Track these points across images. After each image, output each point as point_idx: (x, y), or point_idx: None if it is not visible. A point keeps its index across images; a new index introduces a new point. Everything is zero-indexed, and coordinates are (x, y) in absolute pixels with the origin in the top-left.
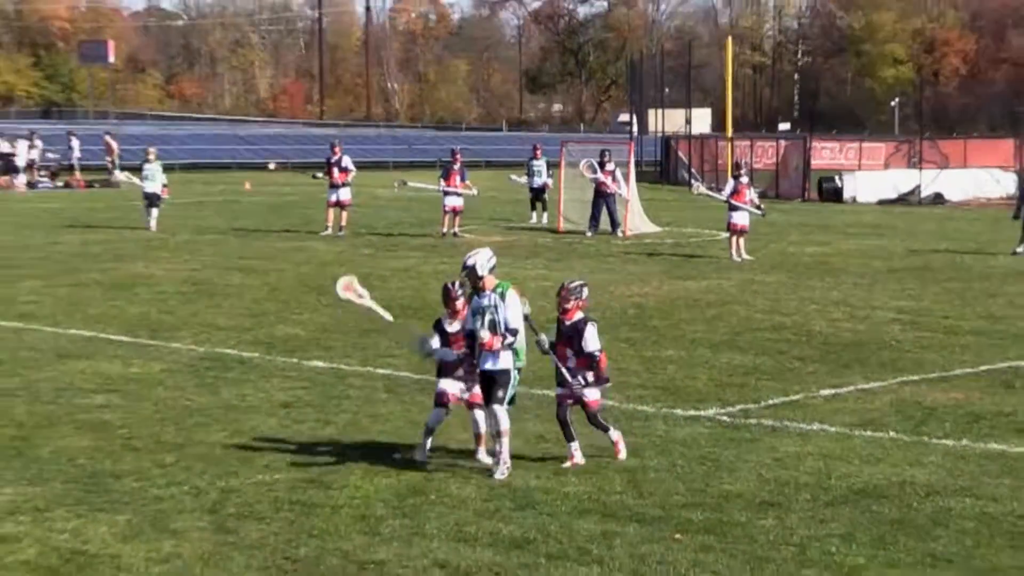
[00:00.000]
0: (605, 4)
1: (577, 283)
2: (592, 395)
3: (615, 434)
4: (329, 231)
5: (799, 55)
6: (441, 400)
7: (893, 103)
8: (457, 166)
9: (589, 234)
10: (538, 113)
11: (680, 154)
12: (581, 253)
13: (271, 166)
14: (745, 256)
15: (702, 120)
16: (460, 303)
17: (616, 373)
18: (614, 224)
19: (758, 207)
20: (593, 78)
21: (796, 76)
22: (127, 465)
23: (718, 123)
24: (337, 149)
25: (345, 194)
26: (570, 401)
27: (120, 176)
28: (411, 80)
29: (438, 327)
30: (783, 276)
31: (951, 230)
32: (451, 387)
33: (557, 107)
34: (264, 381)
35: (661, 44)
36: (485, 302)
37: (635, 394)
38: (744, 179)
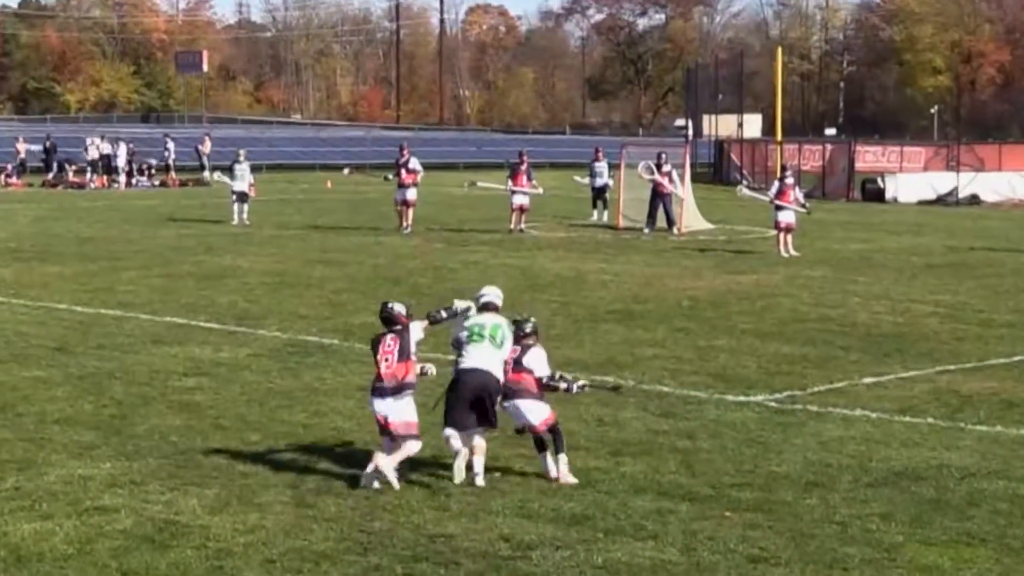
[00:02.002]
0: (663, 17)
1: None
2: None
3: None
4: (408, 229)
5: (844, 64)
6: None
7: (932, 110)
8: (524, 167)
9: (647, 231)
10: (599, 118)
11: (732, 157)
12: (639, 249)
13: (345, 172)
14: (792, 252)
15: (753, 125)
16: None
17: (671, 361)
18: (670, 222)
19: (803, 205)
20: (651, 86)
21: (841, 84)
22: (216, 443)
23: (768, 128)
24: (405, 151)
25: (411, 194)
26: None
27: (211, 176)
28: (481, 87)
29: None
30: (828, 271)
31: (986, 229)
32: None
33: (616, 115)
34: (342, 366)
35: (715, 54)
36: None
37: (688, 380)
38: (789, 180)
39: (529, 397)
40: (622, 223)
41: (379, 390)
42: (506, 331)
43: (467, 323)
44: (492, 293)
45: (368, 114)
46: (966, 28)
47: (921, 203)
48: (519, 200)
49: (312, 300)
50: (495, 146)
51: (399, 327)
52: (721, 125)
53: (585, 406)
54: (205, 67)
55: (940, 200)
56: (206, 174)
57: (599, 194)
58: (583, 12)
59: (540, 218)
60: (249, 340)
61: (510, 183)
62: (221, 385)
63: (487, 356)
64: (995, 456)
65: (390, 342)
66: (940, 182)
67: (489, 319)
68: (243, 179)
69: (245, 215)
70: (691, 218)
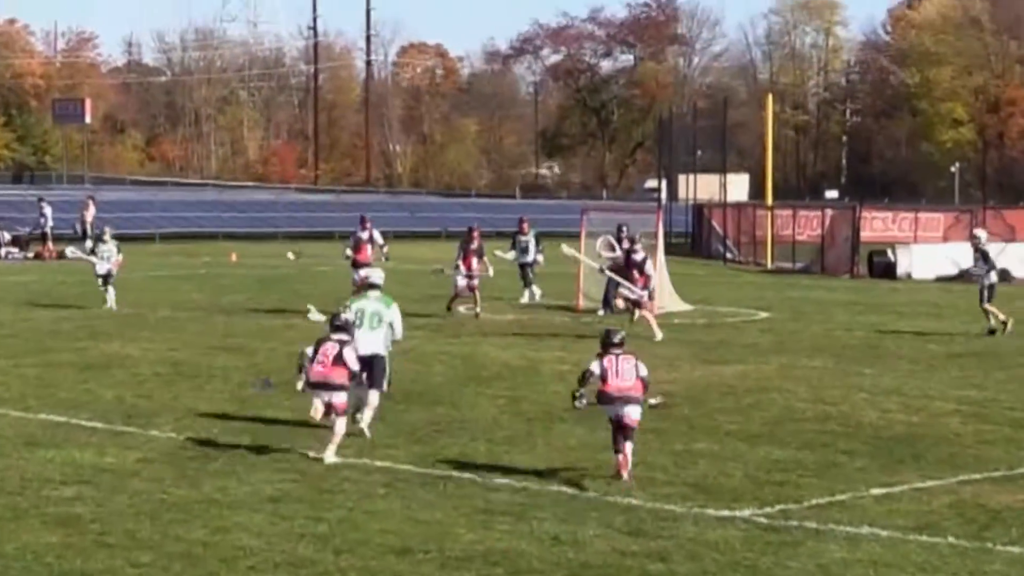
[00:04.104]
0: (631, 58)
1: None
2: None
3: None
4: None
5: (847, 114)
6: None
7: (953, 168)
8: (475, 245)
9: (601, 313)
10: (555, 178)
11: (714, 224)
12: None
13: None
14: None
15: (739, 186)
16: None
17: (641, 468)
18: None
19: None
20: (617, 140)
21: (844, 138)
22: (99, 564)
23: (757, 190)
24: (368, 223)
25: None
26: None
27: (68, 251)
28: (415, 141)
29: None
30: (828, 360)
31: (1018, 311)
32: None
33: (576, 175)
34: (250, 473)
35: (693, 102)
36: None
37: (662, 491)
38: (638, 256)
39: (639, 401)
40: (582, 304)
41: (315, 384)
42: (383, 311)
43: (355, 304)
44: (374, 274)
45: (280, 174)
46: (993, 71)
47: (940, 280)
48: (465, 280)
49: (214, 394)
50: (432, 211)
51: (346, 339)
52: (700, 187)
53: (539, 521)
54: (88, 118)
55: (963, 276)
56: (87, 244)
57: (526, 271)
58: (536, 53)
59: (484, 297)
60: (139, 442)
61: (461, 267)
62: (106, 495)
63: (370, 339)
64: None
65: (332, 348)
66: (962, 255)
67: (369, 305)
68: (109, 260)
69: (112, 298)
70: (665, 298)
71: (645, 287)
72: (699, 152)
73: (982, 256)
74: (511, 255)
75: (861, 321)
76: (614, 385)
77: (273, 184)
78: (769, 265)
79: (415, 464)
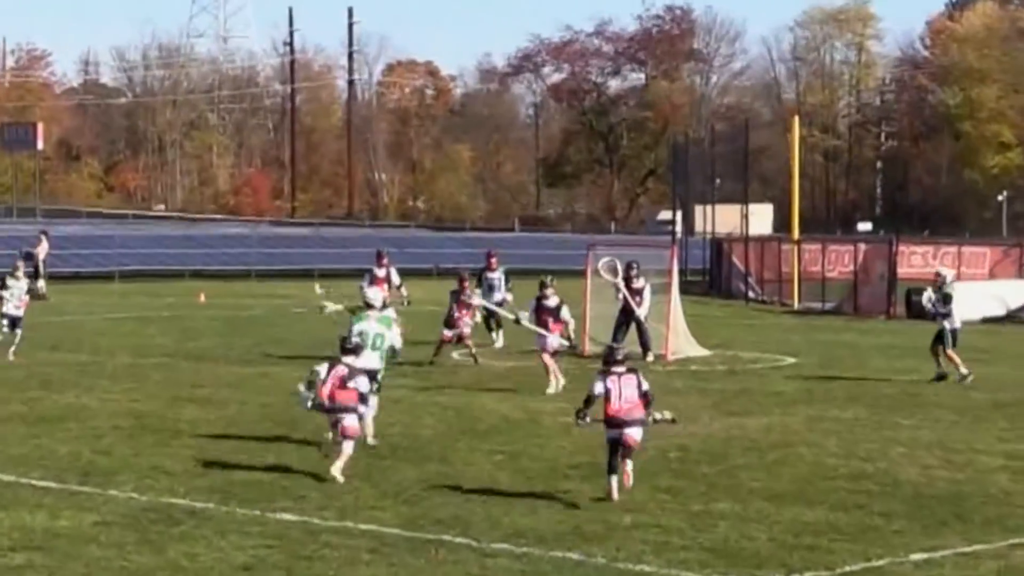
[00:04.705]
0: (642, 77)
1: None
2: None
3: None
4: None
5: (882, 138)
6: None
7: (999, 197)
8: (466, 295)
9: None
10: (558, 210)
11: (735, 260)
12: None
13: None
14: (558, 382)
15: (762, 218)
16: None
17: (655, 531)
18: (645, 348)
19: (568, 339)
20: (626, 167)
21: (878, 164)
22: None
23: (782, 222)
24: (385, 259)
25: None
26: None
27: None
28: (403, 169)
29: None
30: (862, 411)
31: None
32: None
33: (581, 206)
34: (220, 537)
35: (711, 125)
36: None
37: (677, 556)
38: (550, 302)
39: (642, 423)
40: (588, 348)
41: (328, 408)
42: (385, 332)
43: (357, 326)
44: (373, 297)
45: (254, 205)
46: None
47: (986, 321)
48: (453, 330)
49: (180, 450)
50: (422, 247)
51: (356, 364)
52: (720, 218)
53: None
54: (40, 144)
55: (1011, 317)
56: (41, 284)
57: (494, 312)
58: (536, 71)
59: (478, 344)
60: (97, 503)
61: (456, 312)
62: (59, 562)
63: (370, 359)
64: None
65: (342, 371)
66: (1011, 293)
67: (372, 327)
68: (16, 299)
69: (13, 347)
70: (681, 342)
71: (562, 335)
72: (718, 180)
73: (942, 299)
74: (508, 307)
75: (898, 367)
76: (617, 407)
77: (246, 217)
78: (796, 305)
79: (403, 527)
